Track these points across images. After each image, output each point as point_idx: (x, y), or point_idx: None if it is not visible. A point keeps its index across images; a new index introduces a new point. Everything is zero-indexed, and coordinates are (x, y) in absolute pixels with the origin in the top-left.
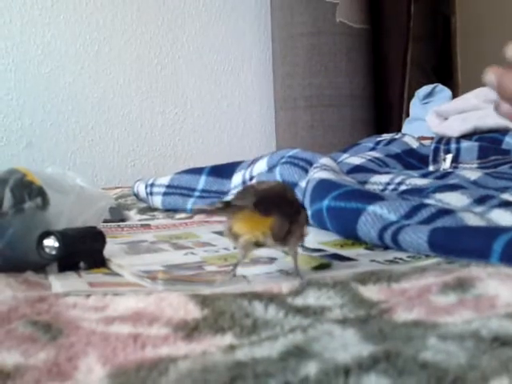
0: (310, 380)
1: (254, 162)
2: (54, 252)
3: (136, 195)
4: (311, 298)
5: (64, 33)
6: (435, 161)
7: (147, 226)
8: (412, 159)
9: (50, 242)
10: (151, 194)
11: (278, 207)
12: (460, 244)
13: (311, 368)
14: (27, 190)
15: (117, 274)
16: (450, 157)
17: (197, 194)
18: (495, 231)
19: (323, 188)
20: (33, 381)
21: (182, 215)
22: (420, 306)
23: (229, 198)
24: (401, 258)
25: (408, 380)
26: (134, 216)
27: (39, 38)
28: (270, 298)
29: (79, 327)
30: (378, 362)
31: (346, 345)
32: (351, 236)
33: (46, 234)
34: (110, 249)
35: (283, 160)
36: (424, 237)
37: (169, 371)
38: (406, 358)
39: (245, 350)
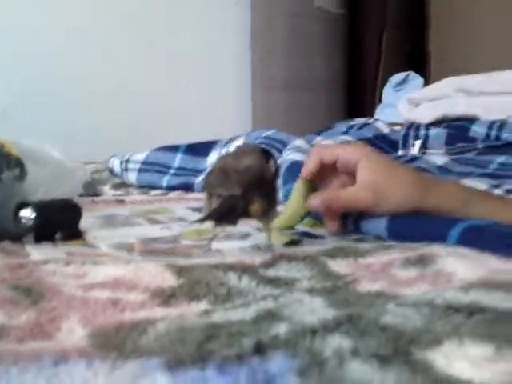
0: (280, 338)
1: (230, 141)
2: (30, 223)
3: (110, 171)
4: (282, 270)
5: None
6: (405, 146)
7: (122, 201)
8: (383, 144)
9: (27, 213)
10: (126, 169)
11: (259, 192)
12: (417, 232)
13: (281, 329)
14: (5, 161)
15: (93, 246)
16: (418, 143)
17: (172, 171)
18: (452, 220)
19: (295, 170)
20: (16, 339)
21: (157, 192)
22: (383, 279)
23: (205, 178)
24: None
25: (368, 340)
26: (108, 191)
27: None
28: (243, 269)
29: (60, 292)
30: (341, 324)
31: (314, 310)
32: (319, 218)
33: (23, 205)
34: (86, 222)
35: (259, 140)
36: (383, 224)
37: (147, 331)
38: (368, 321)
39: (220, 313)
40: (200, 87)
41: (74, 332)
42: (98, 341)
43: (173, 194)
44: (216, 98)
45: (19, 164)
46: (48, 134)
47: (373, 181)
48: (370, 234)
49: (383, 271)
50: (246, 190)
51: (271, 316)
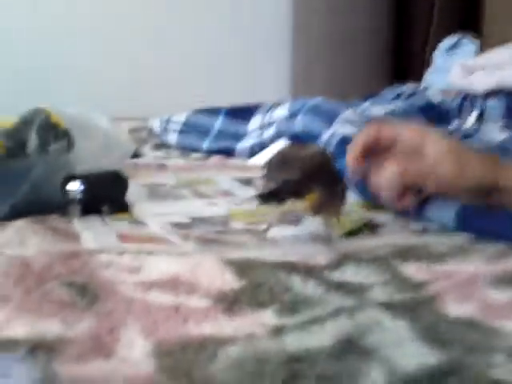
0: None
1: (273, 106)
2: (78, 196)
3: (150, 130)
4: (349, 273)
5: None
6: (460, 117)
7: (163, 166)
8: (434, 114)
9: (75, 186)
10: (166, 130)
11: (319, 181)
12: (490, 227)
13: (376, 375)
14: (53, 132)
15: (142, 223)
16: (475, 114)
17: (213, 134)
18: None
19: (346, 145)
20: (75, 356)
21: (198, 155)
22: (471, 300)
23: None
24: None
25: None
26: (148, 152)
27: None
28: (307, 271)
29: (116, 292)
30: (447, 375)
31: (401, 341)
32: (375, 199)
33: (71, 178)
34: (131, 191)
35: (305, 109)
36: (453, 210)
37: (217, 356)
38: (477, 375)
39: (293, 335)
40: (238, 47)
41: (134, 344)
42: (165, 364)
43: (214, 159)
44: (255, 58)
45: (66, 135)
46: None
47: (452, 154)
48: (434, 220)
49: (469, 287)
50: (305, 177)
51: (354, 348)
